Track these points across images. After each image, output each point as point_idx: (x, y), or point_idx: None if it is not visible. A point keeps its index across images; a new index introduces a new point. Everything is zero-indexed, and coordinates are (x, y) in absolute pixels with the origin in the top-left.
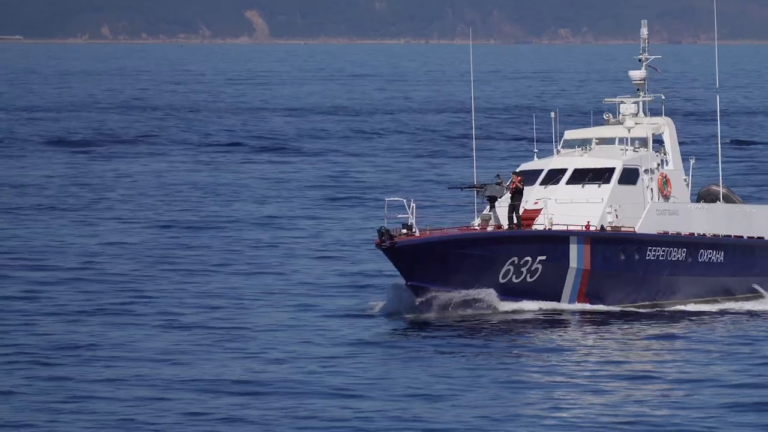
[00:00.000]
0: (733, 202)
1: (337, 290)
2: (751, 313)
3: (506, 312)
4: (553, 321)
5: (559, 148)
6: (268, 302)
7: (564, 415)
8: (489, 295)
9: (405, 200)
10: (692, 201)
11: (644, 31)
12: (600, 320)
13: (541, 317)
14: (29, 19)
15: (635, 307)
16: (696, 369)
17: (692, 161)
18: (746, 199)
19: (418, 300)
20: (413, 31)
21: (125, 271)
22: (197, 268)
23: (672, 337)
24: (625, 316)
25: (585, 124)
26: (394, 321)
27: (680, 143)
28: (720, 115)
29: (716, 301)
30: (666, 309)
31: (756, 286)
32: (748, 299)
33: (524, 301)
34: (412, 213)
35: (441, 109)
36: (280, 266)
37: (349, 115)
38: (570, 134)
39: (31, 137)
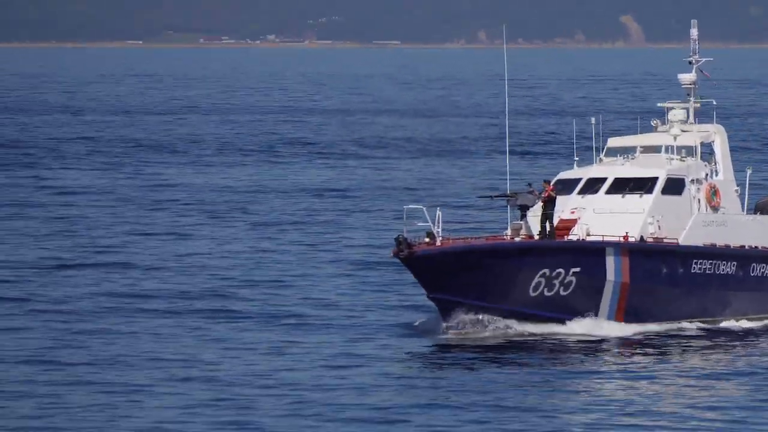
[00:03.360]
0: None
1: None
2: None
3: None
4: (590, 341)
5: (601, 156)
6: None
7: None
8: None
9: (425, 208)
10: (748, 213)
11: (694, 32)
12: (641, 341)
13: (575, 336)
14: None
15: (681, 323)
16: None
17: (749, 171)
18: None
19: (444, 316)
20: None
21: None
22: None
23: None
24: (671, 337)
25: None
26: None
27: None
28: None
29: None
30: (716, 326)
31: None
32: None
33: (557, 318)
34: (437, 222)
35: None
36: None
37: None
38: (613, 142)
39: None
